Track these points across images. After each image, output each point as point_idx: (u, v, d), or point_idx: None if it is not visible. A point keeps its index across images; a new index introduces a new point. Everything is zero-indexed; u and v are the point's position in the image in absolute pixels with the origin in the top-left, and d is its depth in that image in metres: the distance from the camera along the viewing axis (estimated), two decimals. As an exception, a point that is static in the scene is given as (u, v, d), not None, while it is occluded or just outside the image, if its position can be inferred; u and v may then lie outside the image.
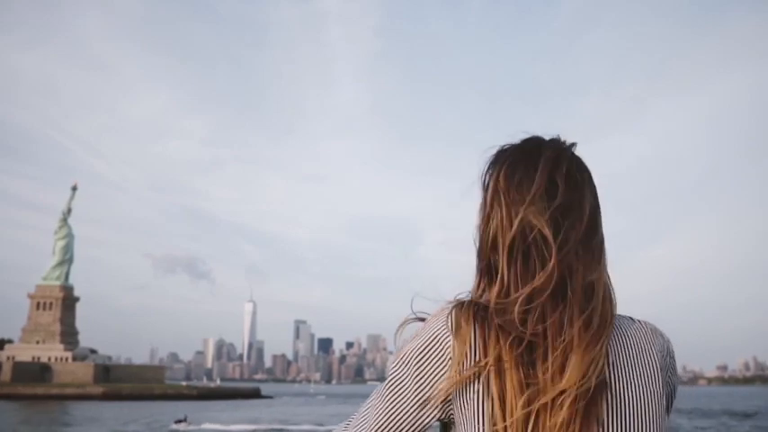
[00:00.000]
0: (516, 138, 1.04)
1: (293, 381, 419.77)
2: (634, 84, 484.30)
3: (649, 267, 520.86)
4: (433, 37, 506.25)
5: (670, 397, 1.00)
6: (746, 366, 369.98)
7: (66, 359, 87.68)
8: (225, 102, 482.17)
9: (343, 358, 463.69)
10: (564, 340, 0.88)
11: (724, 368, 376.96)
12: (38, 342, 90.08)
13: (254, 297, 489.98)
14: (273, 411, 58.03)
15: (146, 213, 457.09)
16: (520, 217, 0.94)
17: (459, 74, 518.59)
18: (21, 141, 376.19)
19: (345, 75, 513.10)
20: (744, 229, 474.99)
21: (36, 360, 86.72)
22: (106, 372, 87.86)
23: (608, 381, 0.90)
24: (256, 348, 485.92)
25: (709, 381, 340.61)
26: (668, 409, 1.00)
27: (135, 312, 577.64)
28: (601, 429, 0.88)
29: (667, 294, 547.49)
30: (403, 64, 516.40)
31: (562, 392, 0.86)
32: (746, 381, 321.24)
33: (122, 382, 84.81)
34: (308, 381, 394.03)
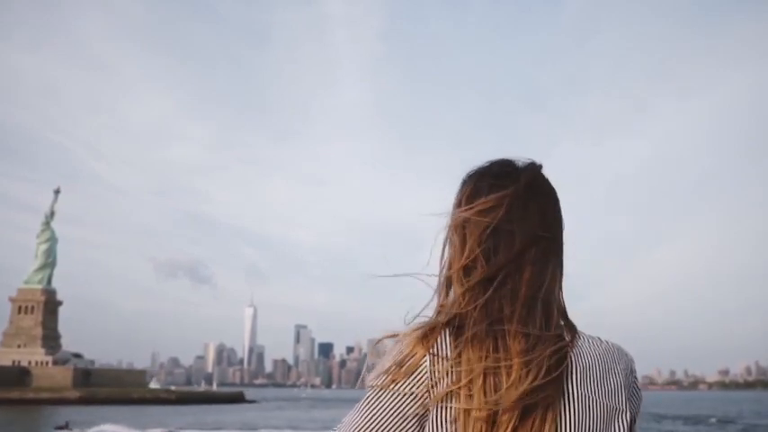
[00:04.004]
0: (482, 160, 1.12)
1: (293, 385, 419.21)
2: (635, 85, 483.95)
3: (650, 269, 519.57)
4: (434, 38, 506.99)
5: (634, 417, 1.05)
6: (748, 371, 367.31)
7: (47, 363, 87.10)
8: (227, 104, 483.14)
9: (343, 363, 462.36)
10: (508, 352, 0.95)
11: (725, 373, 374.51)
12: (19, 346, 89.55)
13: (254, 301, 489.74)
14: (240, 416, 57.25)
15: (147, 217, 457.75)
16: (474, 237, 1.03)
17: (460, 75, 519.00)
18: (21, 143, 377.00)
19: (348, 77, 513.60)
20: (745, 231, 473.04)
21: (16, 364, 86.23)
22: (86, 376, 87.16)
23: (569, 393, 0.97)
24: (257, 353, 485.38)
25: (710, 385, 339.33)
26: (632, 427, 1.04)
27: (136, 317, 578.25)
28: None
29: (668, 296, 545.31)
30: (405, 66, 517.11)
31: (516, 401, 0.93)
32: (748, 385, 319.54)
33: (103, 387, 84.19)
34: (307, 386, 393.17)
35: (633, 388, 1.05)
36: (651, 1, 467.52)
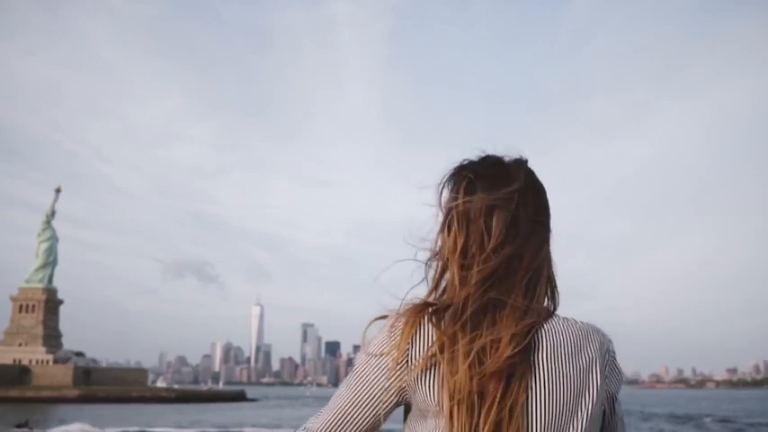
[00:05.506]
0: (471, 154, 1.18)
1: (300, 384, 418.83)
2: (637, 86, 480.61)
3: (655, 270, 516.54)
4: (439, 40, 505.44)
5: (614, 396, 1.13)
6: (756, 369, 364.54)
7: (47, 362, 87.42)
8: (231, 105, 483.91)
9: (350, 361, 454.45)
10: (499, 328, 1.03)
11: (734, 371, 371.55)
12: (20, 345, 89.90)
13: (261, 301, 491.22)
14: (232, 415, 57.10)
15: (154, 218, 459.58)
16: (472, 228, 1.10)
17: (464, 76, 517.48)
18: (24, 144, 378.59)
19: (353, 78, 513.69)
20: (746, 231, 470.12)
21: (17, 362, 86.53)
22: (87, 375, 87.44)
23: (540, 368, 1.03)
24: (264, 352, 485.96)
25: (718, 384, 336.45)
26: (614, 407, 1.13)
27: (144, 316, 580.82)
28: (527, 411, 1.01)
29: (675, 297, 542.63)
30: (410, 67, 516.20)
31: (497, 371, 1.00)
32: (756, 384, 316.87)
33: (103, 385, 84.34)
34: (313, 384, 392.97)
35: (610, 367, 1.10)
36: (653, 3, 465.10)
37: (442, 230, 1.14)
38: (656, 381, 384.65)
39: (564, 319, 1.10)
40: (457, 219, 1.11)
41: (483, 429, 0.99)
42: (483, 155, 1.18)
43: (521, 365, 1.01)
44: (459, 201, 1.12)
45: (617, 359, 1.13)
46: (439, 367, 1.02)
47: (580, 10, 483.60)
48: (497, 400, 0.99)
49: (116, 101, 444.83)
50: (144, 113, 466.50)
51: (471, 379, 1.00)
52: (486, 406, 0.99)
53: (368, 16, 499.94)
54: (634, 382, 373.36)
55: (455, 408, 1.00)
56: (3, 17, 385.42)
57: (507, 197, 1.11)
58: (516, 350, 1.01)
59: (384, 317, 1.10)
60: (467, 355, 1.01)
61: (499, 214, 1.10)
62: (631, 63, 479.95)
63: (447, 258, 1.12)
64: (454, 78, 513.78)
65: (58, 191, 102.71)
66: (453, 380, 1.00)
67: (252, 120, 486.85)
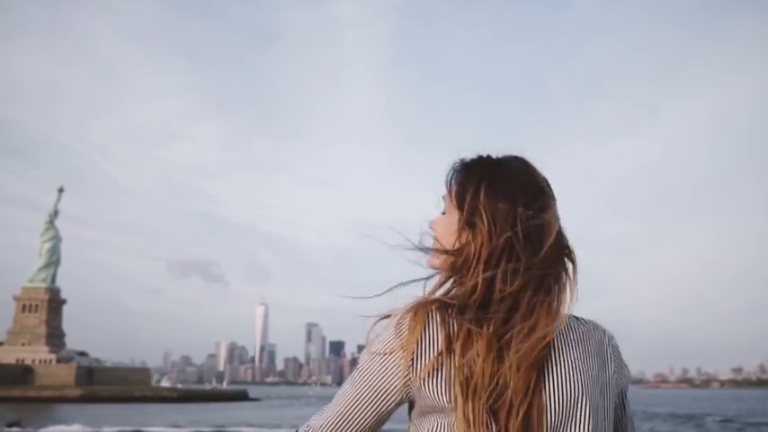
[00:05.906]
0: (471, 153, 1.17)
1: (305, 383, 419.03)
2: (638, 86, 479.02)
3: (655, 270, 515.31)
4: (443, 40, 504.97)
5: (623, 391, 1.15)
6: (762, 369, 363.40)
7: (50, 361, 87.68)
8: (234, 106, 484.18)
9: (354, 361, 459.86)
10: (528, 324, 1.02)
11: (739, 370, 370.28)
12: (23, 344, 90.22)
13: (265, 300, 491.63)
14: (228, 414, 57.06)
15: (156, 218, 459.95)
16: (501, 228, 1.07)
17: (468, 76, 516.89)
18: (27, 144, 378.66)
19: (357, 78, 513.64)
20: (746, 231, 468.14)
21: (20, 362, 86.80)
22: (90, 374, 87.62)
23: (552, 361, 1.03)
24: (268, 351, 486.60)
25: (723, 383, 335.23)
26: (623, 403, 1.15)
27: (149, 316, 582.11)
28: (545, 401, 1.01)
29: (675, 297, 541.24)
30: (414, 68, 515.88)
31: (526, 365, 1.00)
32: (761, 383, 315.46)
33: (107, 385, 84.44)
34: (317, 383, 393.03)
35: (616, 361, 1.12)
36: (653, 3, 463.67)
37: (463, 228, 1.10)
38: (661, 380, 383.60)
39: (569, 316, 1.11)
40: (486, 219, 1.08)
41: (512, 426, 0.98)
42: (494, 158, 1.16)
43: (544, 361, 1.02)
44: (482, 202, 1.09)
45: (621, 355, 1.15)
46: (449, 364, 1.00)
47: (580, 10, 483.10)
48: (529, 395, 0.99)
49: (117, 100, 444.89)
50: (145, 113, 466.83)
51: (492, 375, 0.98)
52: (518, 401, 0.98)
53: (372, 16, 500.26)
54: (639, 381, 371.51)
55: (470, 405, 0.98)
56: (3, 17, 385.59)
57: (543, 200, 1.11)
58: (543, 345, 1.01)
59: (387, 316, 1.09)
60: (489, 350, 1.00)
61: (537, 218, 1.08)
62: (631, 63, 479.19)
63: (469, 256, 1.08)
64: (458, 78, 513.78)
65: (61, 190, 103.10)
66: (472, 376, 0.99)
67: (253, 119, 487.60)
